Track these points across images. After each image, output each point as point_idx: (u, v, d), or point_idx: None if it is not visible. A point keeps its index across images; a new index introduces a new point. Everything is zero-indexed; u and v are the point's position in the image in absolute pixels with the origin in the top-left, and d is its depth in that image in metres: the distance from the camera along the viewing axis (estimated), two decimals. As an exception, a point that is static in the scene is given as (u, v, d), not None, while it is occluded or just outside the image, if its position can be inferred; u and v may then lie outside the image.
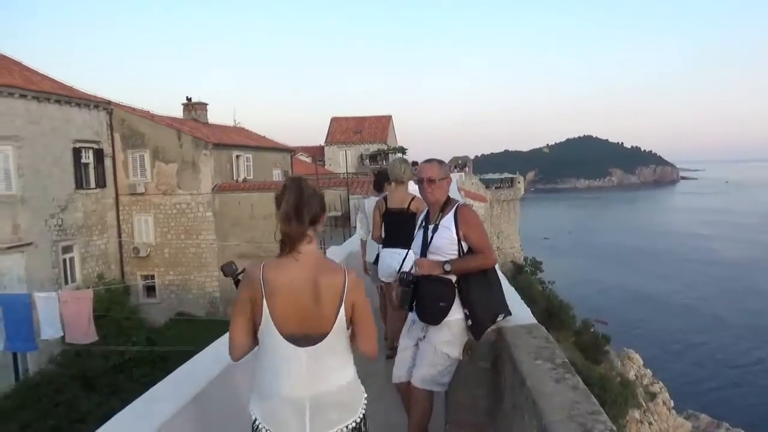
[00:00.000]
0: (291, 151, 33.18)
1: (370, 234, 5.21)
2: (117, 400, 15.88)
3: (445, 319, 2.99)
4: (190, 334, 19.50)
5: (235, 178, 24.26)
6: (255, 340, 2.08)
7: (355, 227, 6.33)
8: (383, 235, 4.81)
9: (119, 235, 22.33)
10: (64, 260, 19.69)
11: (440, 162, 3.23)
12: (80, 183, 20.58)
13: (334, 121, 52.58)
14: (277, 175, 29.19)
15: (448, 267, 2.97)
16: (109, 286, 19.90)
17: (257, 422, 2.06)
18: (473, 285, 3.00)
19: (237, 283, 2.17)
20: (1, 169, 17.40)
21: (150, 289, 22.75)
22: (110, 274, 21.53)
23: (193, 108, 27.88)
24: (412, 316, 3.21)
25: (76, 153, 20.49)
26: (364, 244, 5.69)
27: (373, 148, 49.23)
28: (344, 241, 9.57)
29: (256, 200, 22.08)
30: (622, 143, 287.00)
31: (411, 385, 3.15)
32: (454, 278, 3.01)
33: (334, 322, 2.02)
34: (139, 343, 18.16)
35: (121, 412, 2.19)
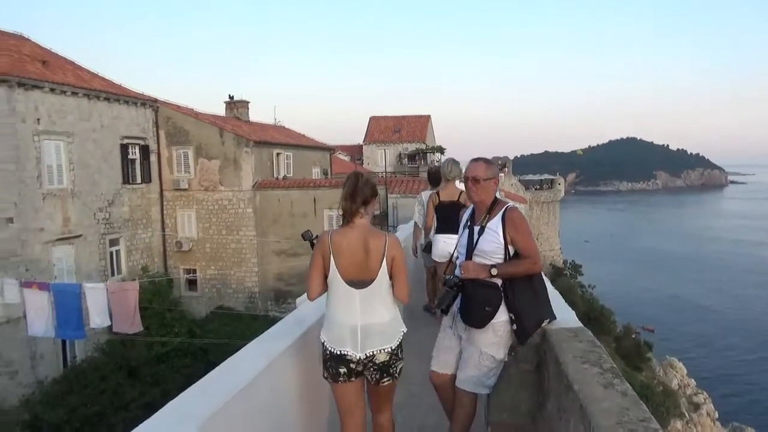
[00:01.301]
0: (330, 149, 33.45)
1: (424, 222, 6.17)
2: (159, 389, 16.37)
3: (490, 322, 2.96)
4: (230, 327, 19.92)
5: (275, 176, 24.61)
6: (325, 286, 2.88)
7: (395, 227, 7.01)
8: (437, 224, 5.65)
9: (163, 230, 22.94)
10: (111, 253, 20.37)
11: (488, 162, 3.17)
12: (127, 178, 21.25)
13: (373, 120, 52.75)
14: (316, 174, 29.48)
15: (494, 271, 2.93)
16: (153, 278, 20.49)
17: (326, 343, 2.88)
18: (519, 290, 2.96)
19: (312, 245, 2.99)
20: (53, 164, 18.10)
21: (192, 283, 23.30)
22: (154, 267, 22.16)
23: (235, 106, 28.42)
24: (455, 311, 3.17)
25: (124, 149, 21.16)
26: (419, 230, 6.46)
27: (412, 147, 49.18)
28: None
29: (295, 197, 22.37)
30: (667, 145, 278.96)
31: (456, 388, 3.14)
32: (500, 282, 2.97)
33: (378, 271, 2.80)
34: (181, 334, 18.66)
35: (173, 400, 2.24)
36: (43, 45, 21.78)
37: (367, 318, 2.81)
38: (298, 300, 4.10)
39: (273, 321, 19.48)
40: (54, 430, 13.72)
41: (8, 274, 14.28)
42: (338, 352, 2.84)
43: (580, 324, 3.21)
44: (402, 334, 2.91)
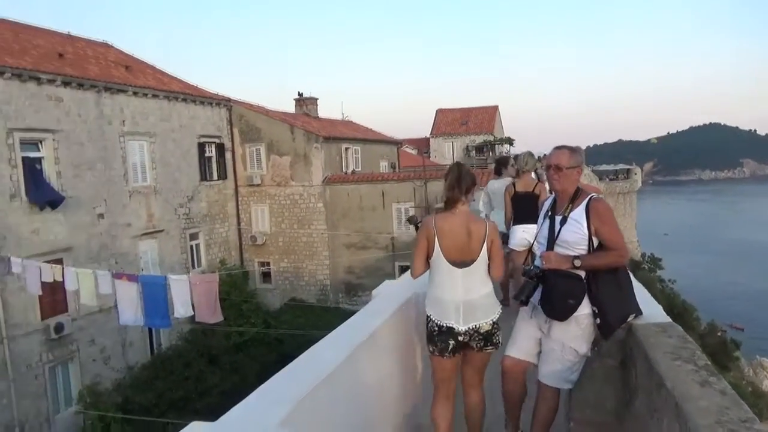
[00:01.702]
0: (397, 143, 33.54)
1: (492, 212, 6.54)
2: (237, 376, 17.06)
3: (573, 314, 2.88)
4: (303, 319, 20.47)
5: (344, 170, 24.97)
6: (427, 265, 3.20)
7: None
8: (513, 215, 5.83)
9: (238, 224, 23.83)
10: (191, 246, 21.39)
11: (572, 150, 3.07)
12: (204, 175, 22.21)
13: (440, 112, 52.39)
14: (384, 167, 29.65)
15: (578, 262, 2.85)
16: (230, 271, 21.35)
17: (431, 316, 3.18)
18: (603, 283, 2.86)
19: (417, 228, 3.34)
20: (137, 163, 19.18)
21: (266, 275, 24.08)
22: (231, 260, 23.07)
23: (305, 103, 29.03)
24: (534, 302, 3.11)
25: (201, 147, 22.11)
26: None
27: (479, 139, 48.49)
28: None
29: (364, 192, 22.61)
30: (755, 130, 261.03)
31: (538, 382, 3.10)
32: (583, 274, 2.88)
33: (479, 253, 3.10)
34: (257, 325, 19.35)
35: (262, 385, 2.34)
36: (125, 51, 23.12)
37: (468, 294, 3.10)
38: (374, 291, 4.16)
39: (344, 313, 19.90)
40: (143, 412, 14.60)
41: (101, 266, 15.29)
42: (445, 325, 3.13)
43: (668, 319, 3.07)
44: (500, 310, 3.22)
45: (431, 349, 3.19)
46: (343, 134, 27.07)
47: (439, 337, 3.13)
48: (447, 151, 47.60)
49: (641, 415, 2.64)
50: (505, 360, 3.23)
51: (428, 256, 3.16)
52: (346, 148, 25.79)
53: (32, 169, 15.42)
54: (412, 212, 21.79)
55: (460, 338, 3.11)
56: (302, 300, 22.91)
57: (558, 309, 2.90)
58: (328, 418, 2.55)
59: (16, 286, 14.08)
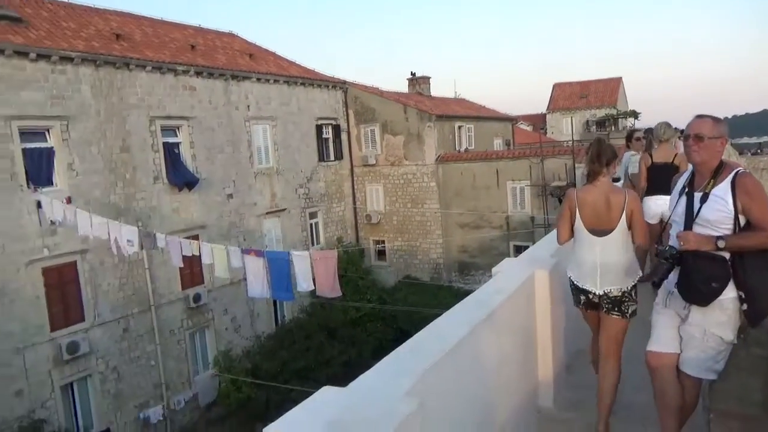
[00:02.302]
0: (512, 120, 32.60)
1: (624, 183, 6.67)
2: (355, 349, 17.75)
3: (716, 299, 2.66)
4: (416, 296, 20.76)
5: (457, 149, 24.76)
6: (572, 233, 3.48)
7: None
8: (647, 186, 5.75)
9: (354, 203, 24.56)
10: (310, 224, 22.42)
11: (715, 119, 2.78)
12: (322, 156, 23.07)
13: (557, 87, 50.08)
14: (498, 145, 29.00)
15: (721, 243, 2.59)
16: (347, 248, 22.12)
17: (572, 278, 3.53)
18: (751, 266, 2.59)
19: (560, 200, 4.08)
20: (261, 146, 20.36)
21: (381, 253, 24.66)
22: (347, 238, 23.89)
23: (417, 82, 29.05)
24: (668, 286, 2.90)
25: (318, 129, 22.95)
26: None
27: (601, 113, 45.78)
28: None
29: (477, 170, 22.28)
30: None
31: (678, 371, 2.90)
32: (727, 255, 2.63)
33: (618, 223, 3.30)
34: (372, 301, 19.94)
35: (386, 357, 2.42)
36: (249, 40, 24.45)
37: (605, 261, 3.34)
38: (494, 269, 4.12)
39: (457, 291, 19.91)
40: (270, 379, 15.70)
41: (230, 242, 16.51)
42: (581, 286, 3.47)
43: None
44: (636, 279, 3.37)
45: (574, 301, 3.61)
46: (455, 112, 26.79)
47: (575, 294, 3.56)
48: (565, 127, 45.43)
49: (796, 409, 2.40)
50: (648, 357, 3.01)
51: (572, 225, 3.46)
52: (459, 127, 25.51)
53: (171, 154, 16.92)
54: (528, 189, 21.18)
55: (591, 296, 3.44)
56: (416, 278, 23.21)
57: (699, 293, 2.66)
58: (451, 391, 2.58)
59: (161, 260, 15.64)
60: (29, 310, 13.33)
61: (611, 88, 47.81)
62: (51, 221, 13.23)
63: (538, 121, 48.13)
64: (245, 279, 11.02)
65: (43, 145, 13.92)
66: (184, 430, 16.46)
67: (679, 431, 2.95)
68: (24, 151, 13.43)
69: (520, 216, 21.43)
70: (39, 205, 13.22)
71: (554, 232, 5.53)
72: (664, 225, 3.19)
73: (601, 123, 44.96)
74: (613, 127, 43.01)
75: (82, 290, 14.51)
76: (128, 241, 11.17)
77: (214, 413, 17.02)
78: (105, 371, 14.88)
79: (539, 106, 49.85)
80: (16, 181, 13.19)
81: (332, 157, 23.68)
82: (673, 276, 2.80)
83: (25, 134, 13.51)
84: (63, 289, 14.16)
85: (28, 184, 13.36)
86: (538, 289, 3.87)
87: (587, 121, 45.98)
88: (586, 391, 4.02)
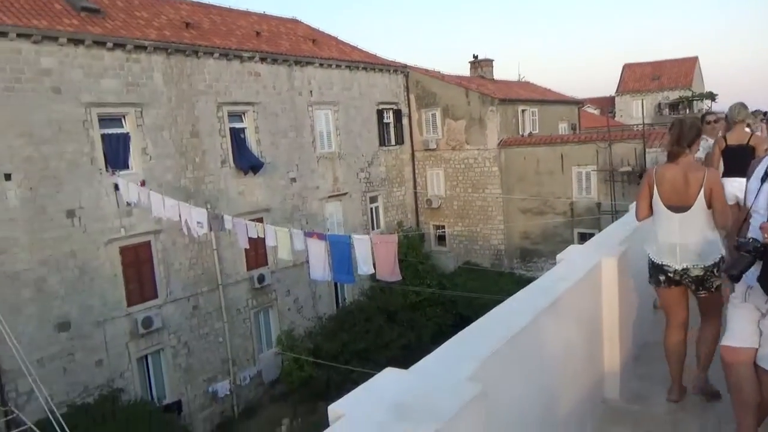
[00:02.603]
0: (578, 103, 31.53)
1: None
2: (413, 333, 17.86)
3: None
4: (476, 282, 20.61)
5: (520, 133, 24.21)
6: (651, 210, 3.51)
7: None
8: (723, 168, 5.55)
9: (415, 188, 24.54)
10: (371, 209, 22.61)
11: None
12: (383, 141, 23.14)
13: (627, 68, 47.95)
14: (563, 129, 28.15)
15: None
16: (407, 233, 22.19)
17: (650, 256, 3.57)
18: None
19: (640, 176, 3.96)
20: (323, 130, 20.63)
21: (441, 238, 24.59)
22: (407, 223, 23.95)
23: (480, 65, 28.52)
24: (748, 280, 2.74)
25: (380, 114, 23.00)
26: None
27: (674, 95, 43.54)
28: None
29: (541, 155, 21.74)
30: None
31: (756, 366, 2.76)
32: None
33: (696, 199, 3.29)
34: (432, 286, 19.94)
35: (450, 340, 2.42)
36: (312, 26, 24.70)
37: (684, 237, 3.37)
38: (558, 256, 4.02)
39: (518, 278, 19.63)
40: (330, 359, 16.06)
41: (293, 225, 16.90)
42: (659, 263, 3.50)
43: None
44: (719, 256, 3.34)
45: (650, 281, 3.64)
46: (519, 96, 26.16)
47: (653, 271, 3.57)
48: (634, 110, 43.51)
49: None
50: (723, 351, 2.88)
51: (650, 201, 3.50)
52: (523, 110, 24.91)
53: (237, 139, 17.43)
54: (594, 175, 20.49)
55: (670, 275, 3.46)
56: (476, 264, 23.01)
57: None
58: (514, 379, 2.56)
59: (227, 241, 16.24)
60: (108, 287, 14.19)
61: (686, 68, 45.33)
62: (127, 203, 13.97)
63: (605, 105, 46.31)
64: (308, 261, 11.31)
65: (119, 130, 14.67)
66: (249, 405, 17.13)
67: (756, 429, 2.81)
68: (102, 136, 14.20)
69: (586, 202, 20.78)
70: (116, 187, 13.98)
71: (623, 218, 5.36)
72: (745, 214, 2.98)
73: (674, 106, 42.82)
74: (687, 110, 40.86)
75: (155, 269, 15.29)
76: (198, 222, 11.66)
77: (278, 390, 17.62)
78: (177, 346, 15.66)
79: (607, 88, 47.90)
80: (95, 165, 13.98)
81: (393, 142, 23.70)
82: (755, 269, 2.64)
83: (104, 120, 14.27)
84: (138, 267, 14.96)
85: (106, 167, 14.14)
86: (605, 278, 3.75)
87: (659, 103, 43.89)
88: (654, 384, 3.90)
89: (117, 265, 14.42)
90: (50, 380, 12.65)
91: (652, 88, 44.81)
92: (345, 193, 21.18)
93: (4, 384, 12.19)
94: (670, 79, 44.86)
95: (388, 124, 23.50)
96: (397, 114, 23.87)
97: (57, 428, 9.72)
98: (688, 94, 42.80)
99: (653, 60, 47.34)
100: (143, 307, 14.87)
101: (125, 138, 14.75)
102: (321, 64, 20.26)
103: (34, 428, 10.55)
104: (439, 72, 25.57)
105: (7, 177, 12.45)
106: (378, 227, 22.74)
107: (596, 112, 43.91)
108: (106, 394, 13.74)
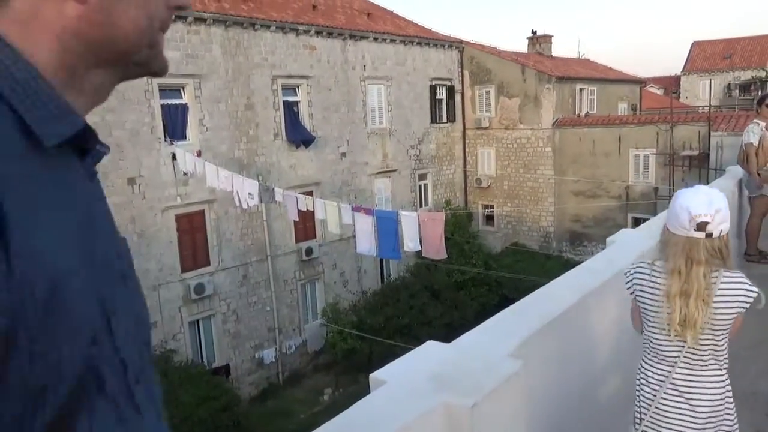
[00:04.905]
0: (640, 82, 30.20)
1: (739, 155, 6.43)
2: (457, 313, 17.86)
3: None
4: (523, 264, 20.36)
5: (576, 113, 23.48)
6: None
7: (717, 170, 6.76)
8: None
9: (464, 166, 24.27)
10: (419, 186, 22.54)
11: None
12: (434, 118, 22.90)
13: (696, 45, 45.52)
14: (622, 109, 27.11)
15: None
16: (455, 211, 22.04)
17: None
18: None
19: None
20: (375, 106, 20.58)
21: (489, 218, 24.32)
22: (455, 201, 23.78)
23: (538, 41, 27.66)
24: None
25: (432, 90, 22.74)
26: (753, 148, 6.16)
27: (746, 75, 41.09)
28: (706, 183, 8.49)
29: (597, 136, 21.06)
30: None
31: None
32: None
33: None
34: (478, 266, 19.82)
35: (490, 318, 2.43)
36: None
37: None
38: (609, 239, 3.94)
39: (567, 262, 19.26)
40: (374, 333, 16.29)
41: (342, 200, 17.04)
42: None
43: None
44: None
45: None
46: (577, 74, 25.28)
47: None
48: (702, 91, 41.41)
49: None
50: None
51: None
52: (581, 89, 24.10)
53: (290, 112, 17.63)
54: (653, 158, 19.74)
55: None
56: (524, 245, 22.69)
57: None
58: (554, 359, 2.55)
59: (277, 213, 16.57)
60: (164, 252, 14.78)
61: (762, 46, 42.60)
62: (183, 172, 14.44)
63: (670, 84, 44.24)
64: (354, 236, 11.40)
65: (178, 101, 15.09)
66: (294, 373, 17.64)
67: None
68: (162, 107, 14.65)
69: (642, 186, 20.06)
70: (174, 157, 14.45)
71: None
72: None
73: (745, 87, 40.47)
74: (759, 92, 38.49)
75: (208, 237, 15.81)
76: (249, 194, 11.94)
77: (321, 360, 18.06)
78: (226, 312, 16.23)
79: (673, 67, 45.65)
80: (155, 134, 14.46)
81: (445, 119, 23.43)
82: None
83: (164, 91, 14.69)
84: (192, 235, 15.51)
85: (165, 137, 14.62)
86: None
87: (729, 84, 41.56)
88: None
89: (173, 232, 14.98)
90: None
91: (722, 68, 42.41)
92: (394, 170, 21.17)
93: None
94: (742, 59, 42.31)
95: (440, 100, 23.22)
96: (450, 90, 23.54)
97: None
98: (762, 74, 40.32)
99: (726, 37, 44.74)
100: (196, 273, 15.44)
101: (183, 109, 15.17)
102: (375, 39, 20.14)
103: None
104: (495, 48, 24.98)
105: (74, 144, 13.03)
106: (426, 205, 22.68)
107: (659, 92, 42.05)
108: (159, 354, 14.43)
